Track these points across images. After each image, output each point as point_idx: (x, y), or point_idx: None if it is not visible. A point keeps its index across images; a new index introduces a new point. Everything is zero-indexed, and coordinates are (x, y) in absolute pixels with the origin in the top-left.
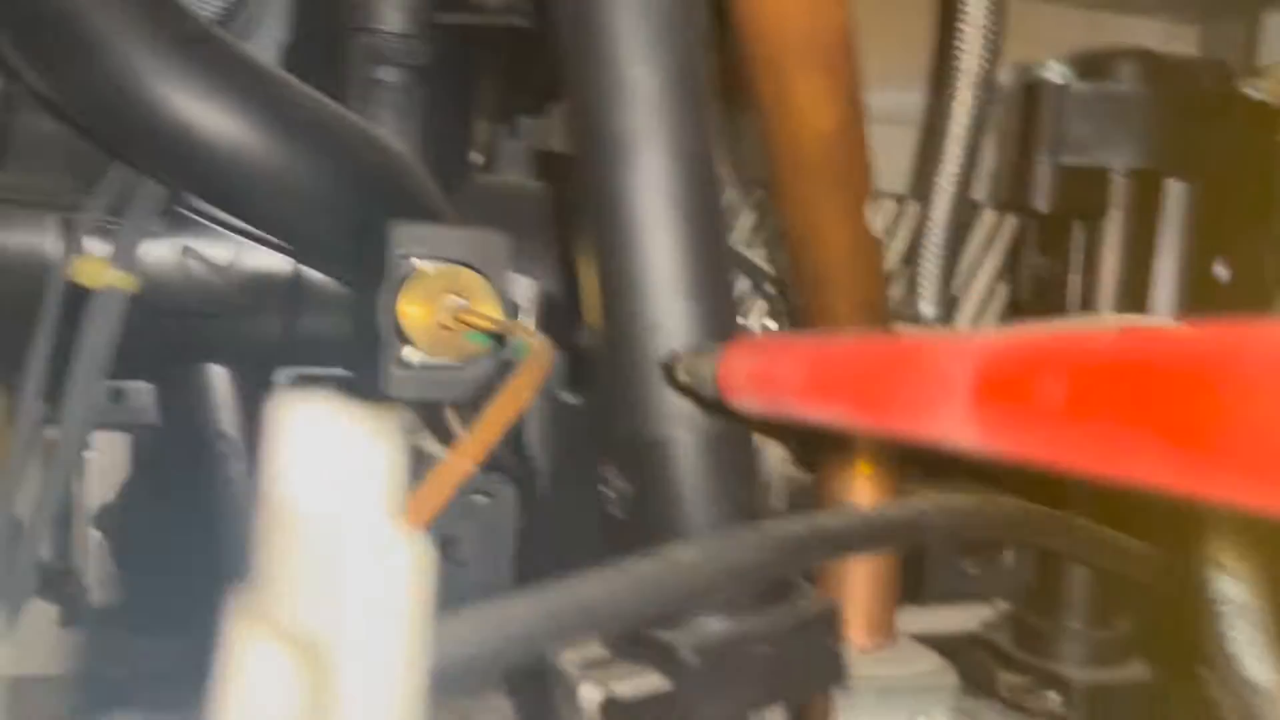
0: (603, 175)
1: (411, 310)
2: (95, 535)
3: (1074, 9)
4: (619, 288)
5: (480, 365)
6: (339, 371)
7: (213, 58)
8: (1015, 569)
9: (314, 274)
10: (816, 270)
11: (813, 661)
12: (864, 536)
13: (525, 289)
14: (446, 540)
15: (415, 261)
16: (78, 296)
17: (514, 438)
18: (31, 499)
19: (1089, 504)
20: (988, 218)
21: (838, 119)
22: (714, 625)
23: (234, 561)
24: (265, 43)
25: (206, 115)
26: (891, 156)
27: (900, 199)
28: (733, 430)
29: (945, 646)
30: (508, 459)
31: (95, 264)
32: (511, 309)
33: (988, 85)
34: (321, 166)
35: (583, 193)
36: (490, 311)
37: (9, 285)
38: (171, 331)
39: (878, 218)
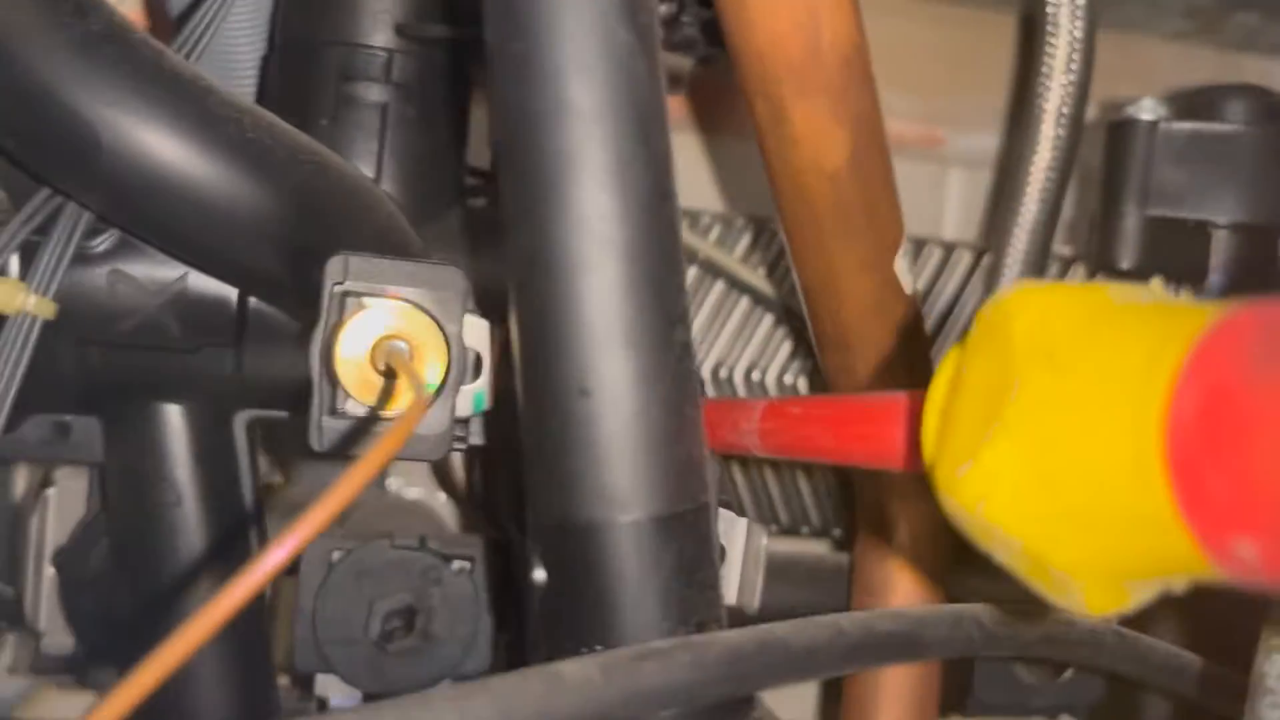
0: (527, 204)
1: (347, 353)
2: (50, 576)
3: (1195, 47)
4: (543, 342)
5: (428, 420)
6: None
7: (122, 60)
8: (1079, 680)
9: (261, 307)
10: (834, 328)
11: None
12: (838, 655)
13: (480, 332)
14: (412, 611)
15: (360, 299)
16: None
17: (493, 494)
18: None
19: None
20: (1078, 275)
21: (847, 154)
22: None
23: (176, 613)
24: (240, 50)
25: (116, 125)
26: (973, 203)
27: (981, 251)
28: (686, 516)
29: None
30: (486, 518)
31: (10, 287)
32: (465, 355)
33: (1072, 126)
34: (253, 189)
35: (506, 224)
36: (436, 357)
37: None
38: (110, 364)
39: (908, 270)
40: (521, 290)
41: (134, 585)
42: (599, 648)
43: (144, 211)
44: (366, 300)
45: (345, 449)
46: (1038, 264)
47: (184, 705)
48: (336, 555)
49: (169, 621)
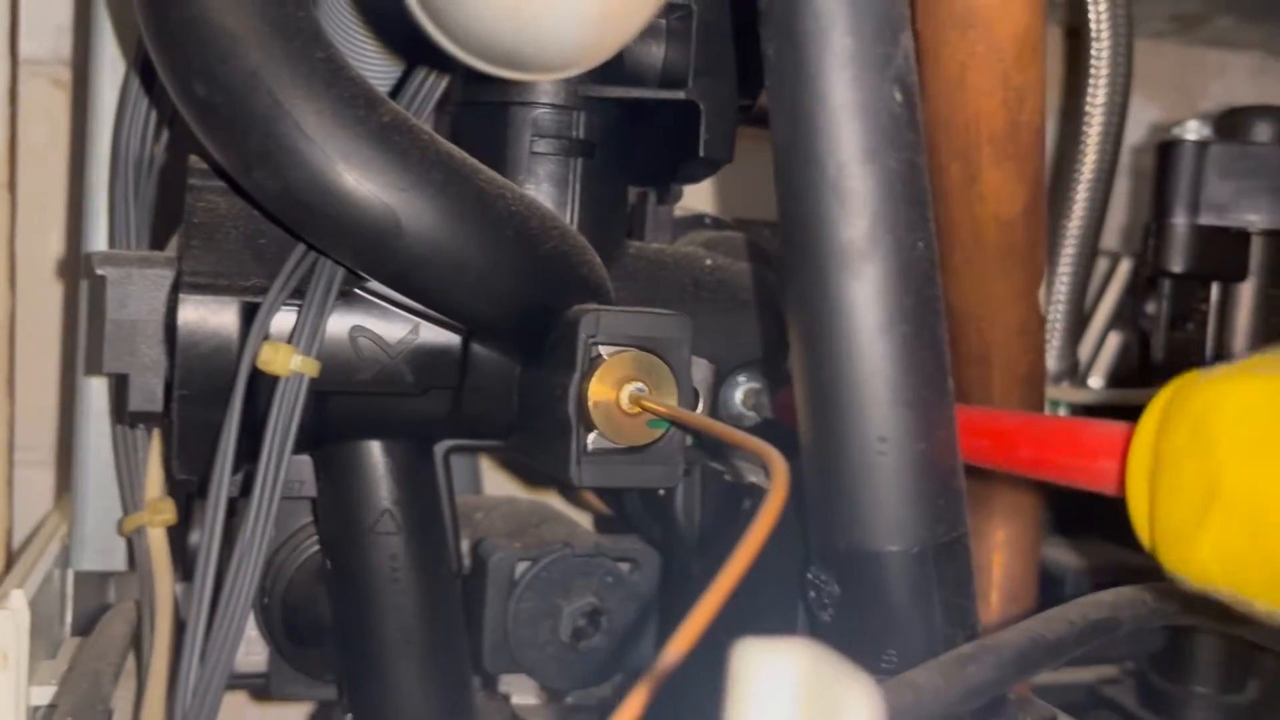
0: (824, 284)
1: (597, 397)
2: None
3: (1167, 44)
4: (838, 399)
5: (664, 452)
6: (492, 444)
7: (410, 147)
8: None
9: (481, 351)
10: (979, 347)
11: None
12: (1074, 641)
13: (702, 371)
14: (595, 611)
15: (600, 348)
16: (259, 376)
17: (659, 503)
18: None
19: None
20: (1123, 268)
21: (1022, 207)
22: None
23: (385, 622)
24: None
25: (403, 203)
26: None
27: None
28: (960, 541)
29: (1066, 701)
30: (651, 525)
31: (281, 351)
32: (690, 394)
33: (1116, 132)
34: (511, 253)
35: (797, 300)
36: (668, 396)
37: (197, 369)
38: (338, 408)
39: (1046, 296)
40: (813, 353)
41: (342, 602)
42: (892, 651)
43: (423, 280)
44: (613, 349)
45: (600, 482)
46: (1087, 261)
47: (402, 703)
48: (522, 566)
49: (376, 631)
